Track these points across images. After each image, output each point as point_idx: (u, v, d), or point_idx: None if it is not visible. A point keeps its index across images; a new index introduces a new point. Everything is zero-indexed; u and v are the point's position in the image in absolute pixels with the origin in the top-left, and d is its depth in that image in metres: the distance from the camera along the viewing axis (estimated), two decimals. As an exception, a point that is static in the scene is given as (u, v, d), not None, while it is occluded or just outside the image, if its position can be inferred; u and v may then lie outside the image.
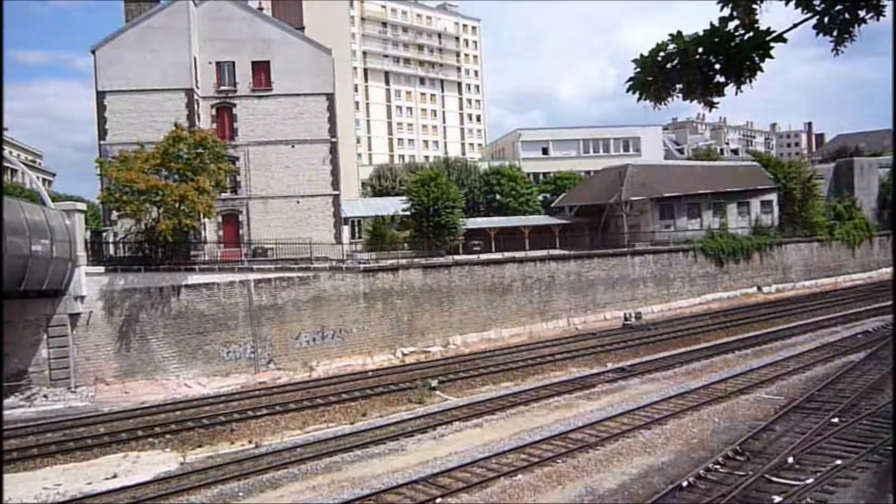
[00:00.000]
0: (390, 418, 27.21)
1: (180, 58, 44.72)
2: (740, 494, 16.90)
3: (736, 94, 5.45)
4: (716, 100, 5.56)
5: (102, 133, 44.02)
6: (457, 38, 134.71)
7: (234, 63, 47.48)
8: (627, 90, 5.57)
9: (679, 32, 5.37)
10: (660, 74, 5.41)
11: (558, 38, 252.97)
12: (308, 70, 48.34)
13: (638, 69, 5.50)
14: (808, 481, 17.42)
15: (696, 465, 19.31)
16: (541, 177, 78.36)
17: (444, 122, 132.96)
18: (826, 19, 5.31)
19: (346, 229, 56.40)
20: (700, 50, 5.31)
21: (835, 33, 5.33)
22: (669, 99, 5.57)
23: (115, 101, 44.12)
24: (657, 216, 61.11)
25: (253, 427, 27.06)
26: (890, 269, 66.45)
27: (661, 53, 5.40)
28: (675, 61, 5.37)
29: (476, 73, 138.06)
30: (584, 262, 50.29)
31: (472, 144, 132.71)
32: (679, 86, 5.47)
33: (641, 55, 5.50)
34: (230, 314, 36.98)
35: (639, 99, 5.58)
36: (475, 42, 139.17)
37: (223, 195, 44.55)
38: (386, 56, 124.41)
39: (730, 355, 36.26)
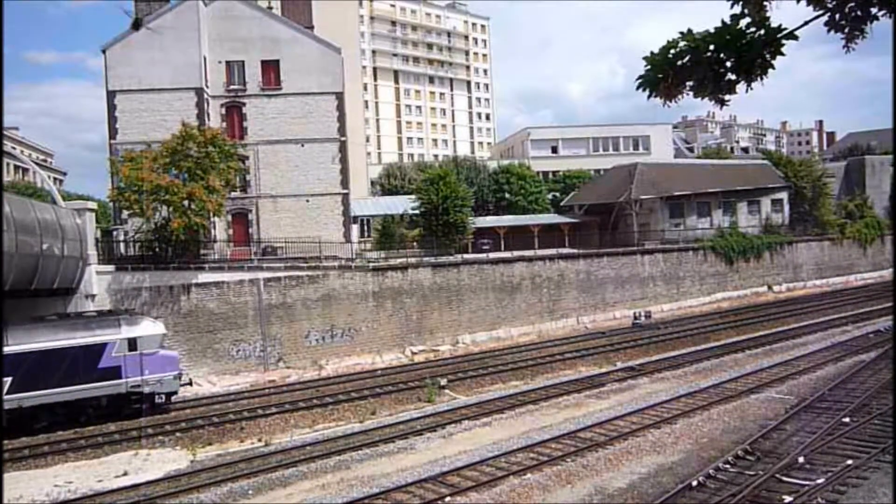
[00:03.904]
0: (399, 417, 27.26)
1: (190, 57, 44.84)
2: (751, 494, 16.83)
3: (746, 91, 5.40)
4: (726, 97, 5.51)
5: (113, 132, 44.19)
6: (466, 37, 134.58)
7: (243, 62, 47.58)
8: (637, 87, 5.51)
9: (689, 30, 5.33)
10: (670, 72, 5.36)
11: (567, 37, 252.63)
12: (317, 69, 48.39)
13: (648, 67, 5.46)
14: (819, 481, 17.33)
15: (706, 465, 19.25)
16: (550, 175, 78.20)
17: (453, 120, 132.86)
18: (838, 16, 5.26)
19: (355, 228, 56.47)
20: (711, 47, 5.26)
21: (846, 31, 5.27)
22: (680, 96, 5.53)
23: (125, 101, 44.29)
24: (667, 215, 60.97)
25: (262, 425, 27.15)
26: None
27: (672, 51, 5.35)
28: (686, 59, 5.33)
29: (485, 71, 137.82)
30: (594, 261, 50.20)
31: (481, 143, 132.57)
32: (689, 83, 5.43)
33: (652, 53, 5.45)
34: (240, 313, 37.10)
35: (649, 96, 5.54)
36: (484, 41, 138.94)
37: (233, 194, 44.64)
38: (395, 55, 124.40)
39: (740, 354, 36.14)
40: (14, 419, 26.10)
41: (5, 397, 25.60)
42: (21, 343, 26.61)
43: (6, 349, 25.96)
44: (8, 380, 25.91)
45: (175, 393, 30.22)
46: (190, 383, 32.04)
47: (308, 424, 27.21)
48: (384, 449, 23.01)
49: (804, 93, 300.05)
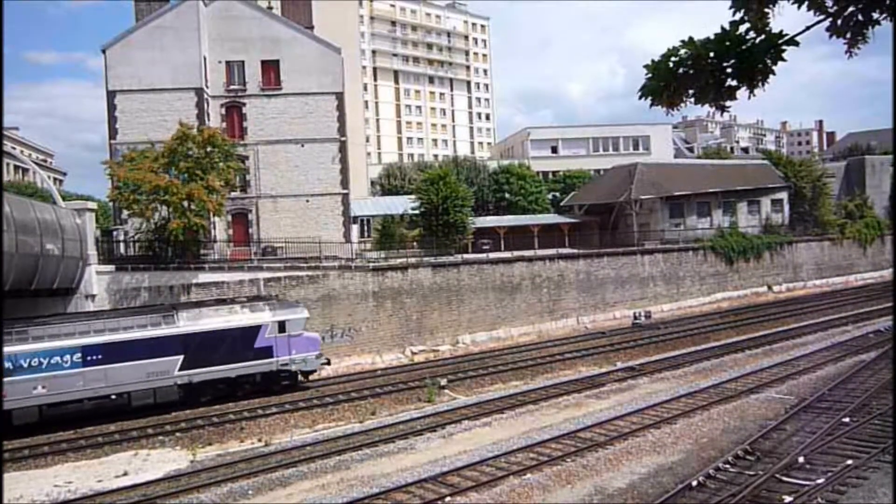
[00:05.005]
0: (399, 417, 27.27)
1: (190, 57, 44.81)
2: (750, 494, 16.86)
3: (749, 97, 5.39)
4: (728, 104, 5.51)
5: (113, 132, 44.17)
6: (466, 37, 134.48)
7: (243, 62, 47.55)
8: (640, 97, 5.50)
9: (690, 38, 5.33)
10: (672, 80, 5.35)
11: (567, 37, 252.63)
12: (317, 69, 48.36)
13: (650, 75, 5.45)
14: (819, 481, 17.36)
15: (706, 465, 19.28)
16: (550, 175, 78.17)
17: (453, 120, 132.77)
18: (839, 22, 5.25)
19: (355, 228, 56.45)
20: (712, 54, 5.26)
21: (848, 35, 5.26)
22: (682, 104, 5.52)
23: (125, 101, 44.26)
24: (667, 215, 60.99)
25: (262, 425, 27.18)
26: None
27: (673, 59, 5.34)
28: (687, 66, 5.32)
29: (485, 71, 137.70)
30: (594, 261, 50.22)
31: (481, 143, 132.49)
32: (691, 91, 5.42)
33: (653, 61, 5.44)
34: (240, 313, 37.04)
35: (651, 105, 5.53)
36: (484, 41, 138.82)
37: (233, 194, 44.61)
38: (395, 55, 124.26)
39: (740, 354, 36.16)
40: (184, 393, 29.37)
41: (177, 373, 29.08)
42: (190, 325, 29.36)
43: (178, 330, 29.22)
44: (180, 357, 29.07)
45: (314, 371, 33.00)
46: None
47: (308, 424, 27.23)
48: (384, 449, 23.03)
49: (804, 93, 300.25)
